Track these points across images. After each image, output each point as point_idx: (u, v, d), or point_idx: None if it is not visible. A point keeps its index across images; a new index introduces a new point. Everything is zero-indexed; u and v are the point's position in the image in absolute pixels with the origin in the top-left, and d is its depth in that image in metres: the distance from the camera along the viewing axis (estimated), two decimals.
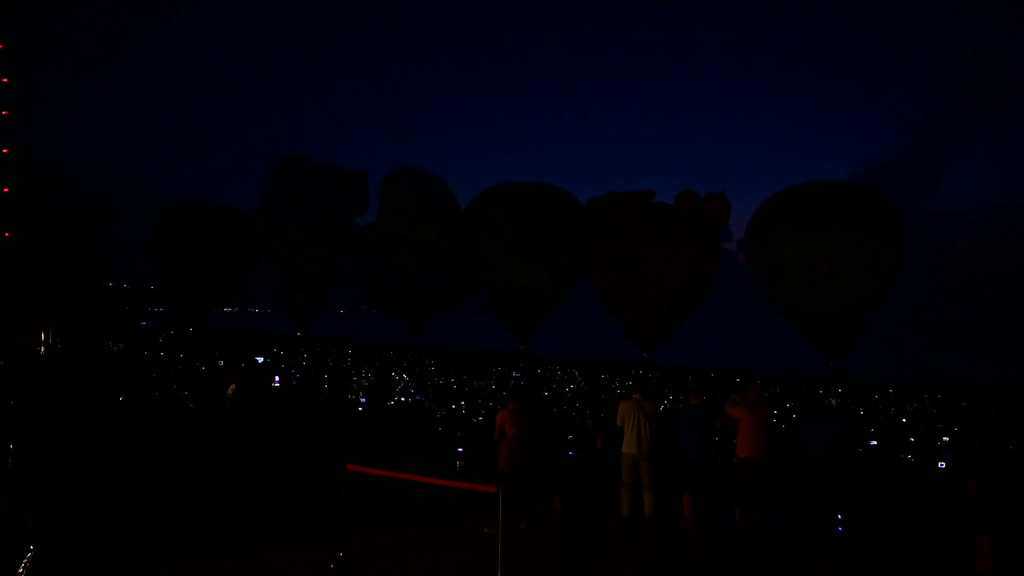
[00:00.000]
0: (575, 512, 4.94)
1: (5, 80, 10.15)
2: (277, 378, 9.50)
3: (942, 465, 9.47)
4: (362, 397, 11.57)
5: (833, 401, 19.18)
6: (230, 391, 10.80)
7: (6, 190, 10.53)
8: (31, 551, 4.88)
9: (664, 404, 14.93)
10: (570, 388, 19.63)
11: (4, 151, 10.41)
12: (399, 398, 14.45)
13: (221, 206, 13.81)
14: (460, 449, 11.44)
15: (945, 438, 11.79)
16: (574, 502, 4.97)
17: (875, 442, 10.68)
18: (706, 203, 21.16)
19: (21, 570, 4.66)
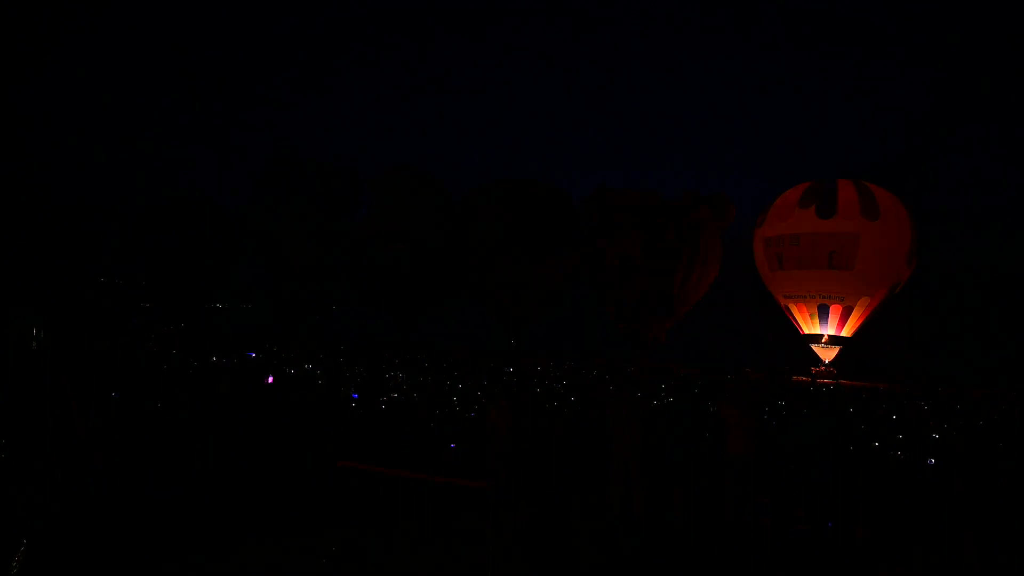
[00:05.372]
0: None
1: None
2: (271, 378, 9.45)
3: (931, 463, 9.55)
4: (354, 393, 11.57)
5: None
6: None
7: None
8: (22, 547, 4.88)
9: (655, 402, 14.99)
10: (560, 385, 19.61)
11: None
12: (392, 395, 14.45)
13: (208, 202, 13.78)
14: (452, 445, 11.44)
15: (935, 435, 11.86)
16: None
17: (876, 444, 10.74)
18: (708, 204, 21.05)
19: (14, 565, 4.66)
